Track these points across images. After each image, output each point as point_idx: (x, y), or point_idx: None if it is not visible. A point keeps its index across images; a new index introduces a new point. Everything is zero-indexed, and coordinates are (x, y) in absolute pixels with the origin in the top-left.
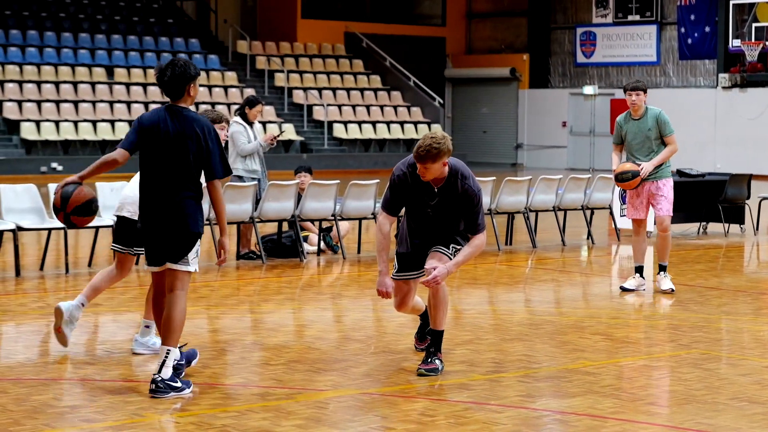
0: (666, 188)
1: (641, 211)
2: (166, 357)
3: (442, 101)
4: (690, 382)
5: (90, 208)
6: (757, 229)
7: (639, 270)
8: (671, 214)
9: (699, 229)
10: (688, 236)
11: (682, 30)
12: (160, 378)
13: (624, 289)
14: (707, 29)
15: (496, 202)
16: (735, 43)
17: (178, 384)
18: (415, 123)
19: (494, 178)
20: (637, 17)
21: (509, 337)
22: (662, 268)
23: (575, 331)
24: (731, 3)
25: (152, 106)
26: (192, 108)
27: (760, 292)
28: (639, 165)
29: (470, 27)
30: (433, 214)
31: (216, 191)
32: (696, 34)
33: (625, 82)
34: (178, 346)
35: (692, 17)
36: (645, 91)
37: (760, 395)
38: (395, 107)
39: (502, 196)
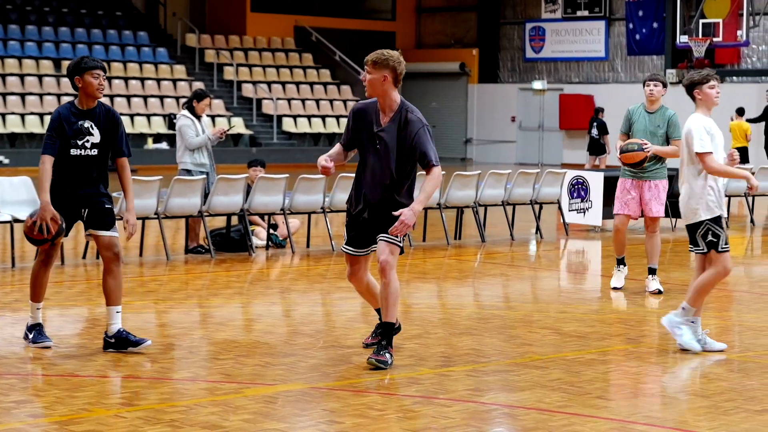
0: (659, 189)
1: (631, 207)
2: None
3: None
4: (637, 376)
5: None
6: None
7: (621, 261)
8: (662, 216)
9: None
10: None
11: (631, 26)
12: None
13: (615, 289)
14: (655, 25)
15: (446, 196)
16: (682, 39)
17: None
18: None
19: (444, 172)
20: (586, 13)
21: (458, 332)
22: (651, 271)
23: (524, 325)
24: None
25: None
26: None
27: None
28: (646, 146)
29: (420, 22)
30: (382, 150)
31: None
32: (644, 30)
33: (574, 77)
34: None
35: (640, 13)
36: (665, 85)
37: (707, 389)
38: (344, 101)
39: (452, 190)
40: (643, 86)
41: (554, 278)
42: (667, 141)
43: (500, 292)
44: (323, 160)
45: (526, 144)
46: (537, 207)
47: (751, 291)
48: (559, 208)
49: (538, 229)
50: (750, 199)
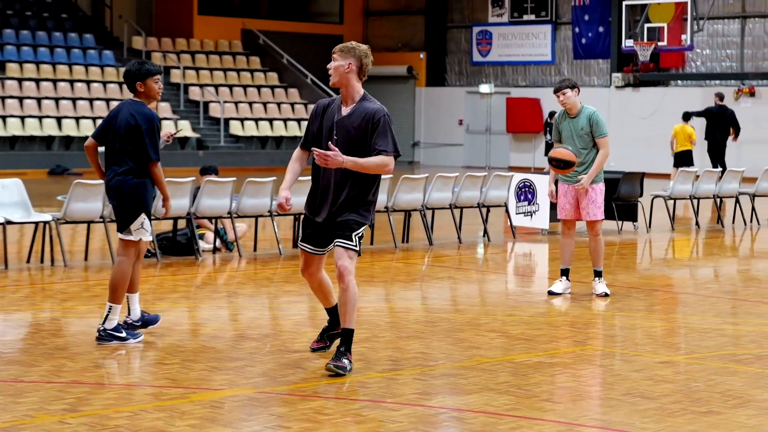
0: (595, 193)
1: (570, 212)
2: (109, 311)
3: None
4: (584, 379)
5: None
6: (650, 226)
7: (565, 273)
8: (600, 219)
9: None
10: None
11: (577, 30)
12: (102, 328)
13: (551, 293)
14: (601, 29)
15: (393, 199)
16: (628, 43)
17: (122, 334)
18: None
19: (391, 175)
20: (533, 17)
21: (405, 335)
22: (597, 274)
23: (471, 328)
24: (624, 3)
25: (45, 102)
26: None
27: (653, 288)
28: (577, 181)
29: (367, 25)
30: (340, 142)
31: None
32: (590, 34)
33: (521, 80)
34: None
35: (586, 17)
36: (572, 88)
37: (653, 391)
38: (292, 104)
39: (399, 193)
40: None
41: (502, 281)
42: (593, 140)
43: (448, 296)
44: (283, 198)
45: (474, 147)
46: (484, 210)
47: (697, 293)
48: (507, 211)
49: (485, 232)
50: (695, 201)
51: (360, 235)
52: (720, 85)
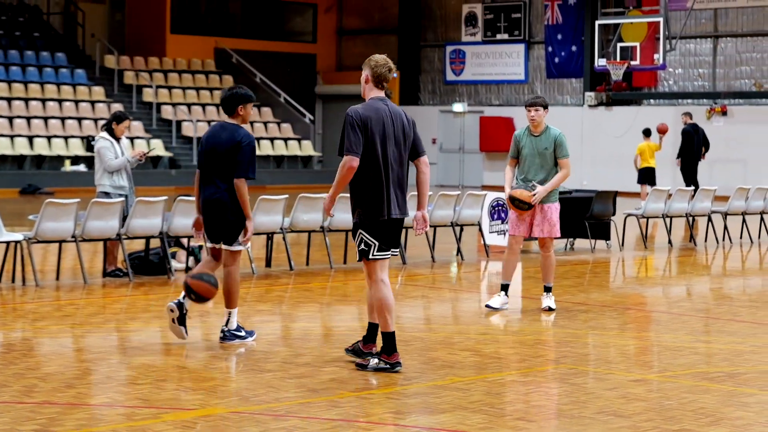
0: (550, 211)
1: (521, 229)
2: (230, 315)
3: (312, 118)
4: (557, 397)
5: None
6: (623, 245)
7: (505, 288)
8: (555, 236)
9: (566, 245)
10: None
11: (550, 49)
12: (227, 329)
13: (489, 307)
14: (574, 48)
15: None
16: (601, 62)
17: (242, 333)
18: (285, 139)
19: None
20: (506, 36)
21: None
22: (546, 289)
23: (444, 347)
24: (597, 23)
25: (17, 121)
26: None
27: (626, 307)
28: (532, 187)
29: (341, 44)
30: None
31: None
32: (563, 53)
33: (494, 99)
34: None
35: (559, 37)
36: (545, 107)
37: (626, 409)
38: (265, 123)
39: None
40: (525, 109)
41: (475, 300)
42: (555, 161)
43: (421, 314)
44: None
45: (447, 166)
46: (458, 229)
47: (669, 311)
48: (480, 230)
49: (458, 251)
50: (668, 220)
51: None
52: (692, 104)
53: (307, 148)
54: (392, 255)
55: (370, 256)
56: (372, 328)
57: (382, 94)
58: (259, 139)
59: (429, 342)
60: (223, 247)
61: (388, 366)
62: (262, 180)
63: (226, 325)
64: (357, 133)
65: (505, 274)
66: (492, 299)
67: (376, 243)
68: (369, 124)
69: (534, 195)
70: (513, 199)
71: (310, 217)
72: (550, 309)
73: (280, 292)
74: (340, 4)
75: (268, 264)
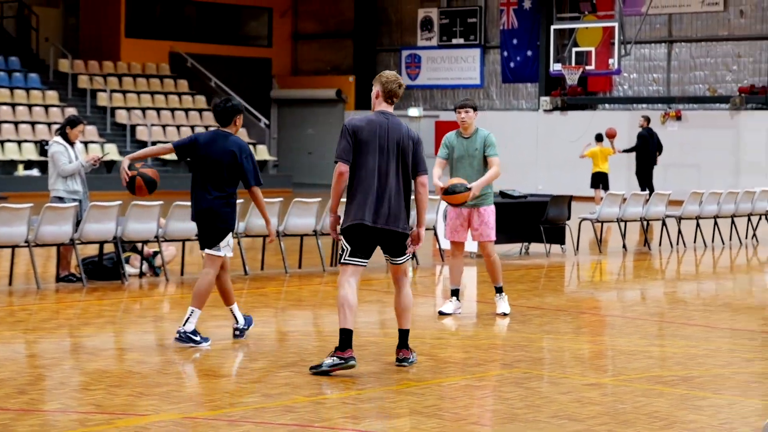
0: (487, 214)
1: (461, 234)
2: (191, 314)
3: (267, 122)
4: (512, 401)
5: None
6: (578, 249)
7: (455, 293)
8: (492, 239)
9: (521, 249)
10: (510, 257)
11: (505, 54)
12: (183, 330)
13: (442, 313)
14: (529, 53)
15: (321, 223)
16: (556, 67)
17: (197, 338)
18: None
19: (320, 199)
20: (462, 41)
21: None
22: (498, 290)
23: None
24: (552, 28)
25: None
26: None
27: (580, 311)
28: (467, 188)
29: (296, 48)
30: None
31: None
32: (518, 58)
33: (449, 104)
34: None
35: (515, 41)
36: (475, 109)
37: (580, 413)
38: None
39: (327, 217)
40: (455, 112)
41: (430, 304)
42: (485, 161)
43: (376, 319)
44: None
45: None
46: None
47: (624, 315)
48: (435, 234)
49: (414, 255)
50: (622, 224)
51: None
52: (647, 108)
53: (263, 153)
54: (397, 262)
55: (342, 259)
56: (402, 333)
57: (390, 108)
58: None
59: (384, 347)
60: (207, 251)
61: (342, 361)
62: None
63: (184, 325)
64: (347, 142)
65: (452, 279)
66: (445, 305)
67: (349, 248)
68: (359, 134)
69: (471, 198)
70: (448, 189)
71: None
72: (504, 314)
73: (235, 297)
74: (296, 9)
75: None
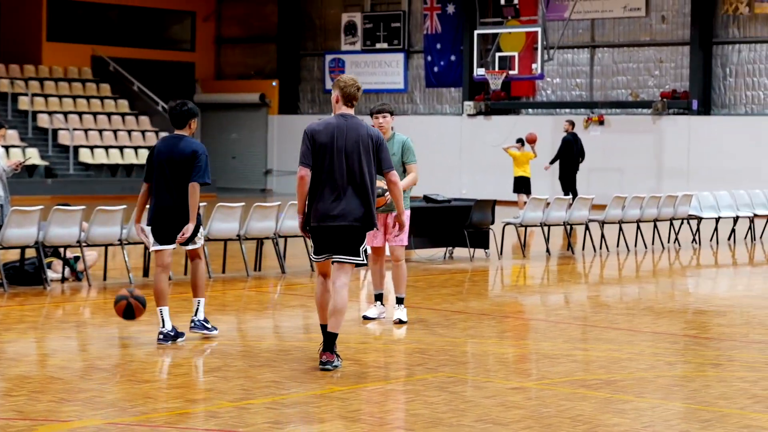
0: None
1: (378, 239)
2: (198, 305)
3: None
4: (436, 405)
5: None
6: (501, 253)
7: (379, 297)
8: (404, 244)
9: (445, 253)
10: (434, 261)
11: (429, 58)
12: (197, 318)
13: (366, 318)
14: (453, 58)
15: (245, 227)
16: (479, 71)
17: (209, 326)
18: None
19: (243, 203)
20: (385, 45)
21: (258, 364)
22: (398, 300)
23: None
24: (476, 32)
25: None
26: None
27: (504, 315)
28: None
29: (220, 52)
30: None
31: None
32: (442, 63)
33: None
34: None
35: (438, 46)
36: (392, 114)
37: (504, 417)
38: (143, 132)
39: (252, 222)
40: (371, 117)
41: (355, 309)
42: (404, 166)
43: (300, 324)
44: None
45: None
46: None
47: (547, 319)
48: None
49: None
50: (546, 228)
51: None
52: (570, 113)
53: None
54: (340, 261)
55: (310, 258)
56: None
57: (350, 111)
58: (137, 147)
59: (309, 351)
60: (188, 247)
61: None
62: (139, 189)
63: (195, 314)
64: (306, 146)
65: (374, 284)
66: (369, 310)
67: (314, 246)
68: (317, 137)
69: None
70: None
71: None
72: (400, 321)
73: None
74: (219, 13)
75: (146, 274)
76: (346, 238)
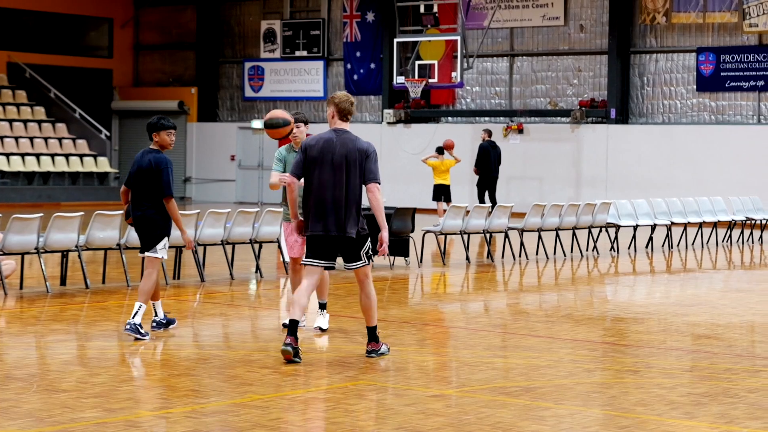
0: None
1: (296, 250)
2: (138, 309)
3: (108, 134)
4: (356, 413)
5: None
6: (421, 261)
7: (322, 306)
8: None
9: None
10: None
11: (349, 66)
12: (132, 322)
13: (321, 330)
14: (373, 66)
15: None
16: (399, 79)
17: (143, 331)
18: (81, 156)
19: None
20: (305, 53)
21: (177, 372)
22: (321, 306)
23: (243, 365)
24: (395, 41)
25: None
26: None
27: (424, 323)
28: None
29: (138, 59)
30: None
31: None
32: (362, 71)
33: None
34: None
35: (358, 54)
36: (306, 123)
37: (424, 424)
38: (60, 139)
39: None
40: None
41: (274, 317)
42: None
43: (220, 332)
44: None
45: (246, 183)
46: (257, 246)
47: (467, 327)
48: (279, 247)
49: (257, 268)
50: (466, 236)
51: None
52: (489, 121)
53: (104, 165)
54: (327, 266)
55: (302, 260)
56: (369, 330)
57: (345, 125)
58: (53, 155)
59: (228, 360)
60: (147, 254)
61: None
62: (57, 197)
63: (133, 318)
64: (298, 158)
65: (317, 294)
66: (317, 320)
67: (306, 252)
68: (309, 151)
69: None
70: (266, 122)
71: (106, 235)
72: (321, 329)
73: (76, 311)
74: (137, 19)
75: (63, 282)
76: (350, 245)
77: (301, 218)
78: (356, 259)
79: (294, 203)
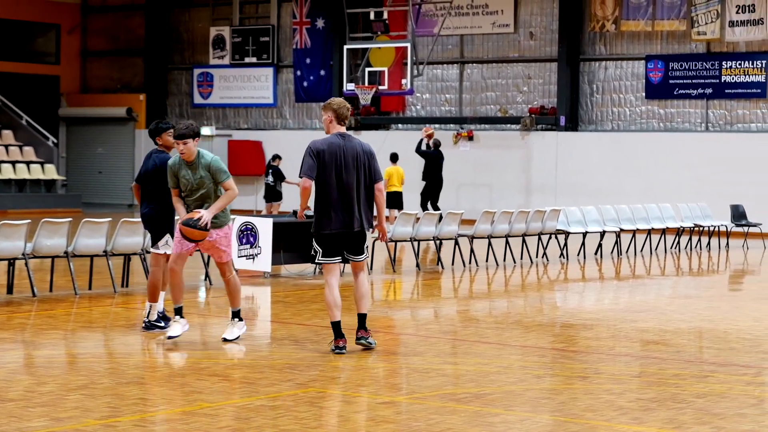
0: (219, 238)
1: (185, 247)
2: (150, 308)
3: (56, 141)
4: (306, 421)
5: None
6: (372, 268)
7: (179, 311)
8: (225, 261)
9: (315, 269)
10: (305, 276)
11: (298, 73)
12: (147, 320)
13: (171, 338)
14: (323, 73)
15: (112, 243)
16: (349, 86)
17: (161, 324)
18: (28, 163)
19: (110, 219)
20: (254, 59)
21: (125, 381)
22: (234, 314)
23: (193, 372)
24: (345, 47)
25: None
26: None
27: (374, 330)
28: (199, 212)
29: (85, 65)
30: None
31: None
32: (312, 78)
33: (242, 123)
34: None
35: (308, 61)
36: (194, 137)
37: (374, 431)
38: (6, 146)
39: (119, 237)
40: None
41: (223, 325)
42: (215, 185)
43: (168, 340)
44: None
45: None
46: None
47: (417, 334)
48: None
49: (206, 276)
50: (416, 243)
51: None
52: (439, 128)
53: (51, 172)
54: (339, 261)
55: (316, 261)
56: (360, 317)
57: (343, 129)
58: (0, 162)
59: (176, 368)
60: (151, 250)
61: (335, 348)
62: (3, 204)
63: (147, 316)
64: (312, 161)
65: (175, 297)
66: (173, 328)
67: (321, 251)
68: (322, 155)
69: (202, 224)
70: (187, 222)
71: (53, 242)
72: (225, 340)
73: (23, 319)
74: (85, 26)
75: (10, 290)
76: (357, 241)
77: (308, 213)
78: (362, 252)
79: (306, 201)
